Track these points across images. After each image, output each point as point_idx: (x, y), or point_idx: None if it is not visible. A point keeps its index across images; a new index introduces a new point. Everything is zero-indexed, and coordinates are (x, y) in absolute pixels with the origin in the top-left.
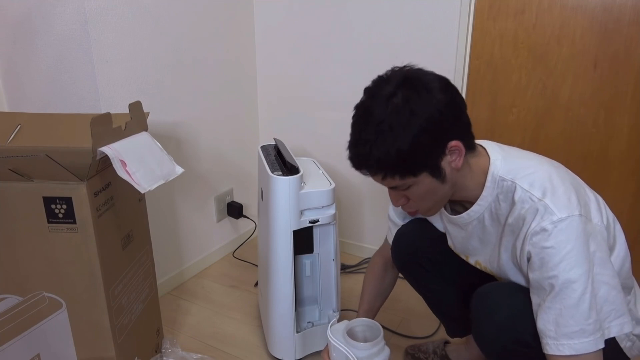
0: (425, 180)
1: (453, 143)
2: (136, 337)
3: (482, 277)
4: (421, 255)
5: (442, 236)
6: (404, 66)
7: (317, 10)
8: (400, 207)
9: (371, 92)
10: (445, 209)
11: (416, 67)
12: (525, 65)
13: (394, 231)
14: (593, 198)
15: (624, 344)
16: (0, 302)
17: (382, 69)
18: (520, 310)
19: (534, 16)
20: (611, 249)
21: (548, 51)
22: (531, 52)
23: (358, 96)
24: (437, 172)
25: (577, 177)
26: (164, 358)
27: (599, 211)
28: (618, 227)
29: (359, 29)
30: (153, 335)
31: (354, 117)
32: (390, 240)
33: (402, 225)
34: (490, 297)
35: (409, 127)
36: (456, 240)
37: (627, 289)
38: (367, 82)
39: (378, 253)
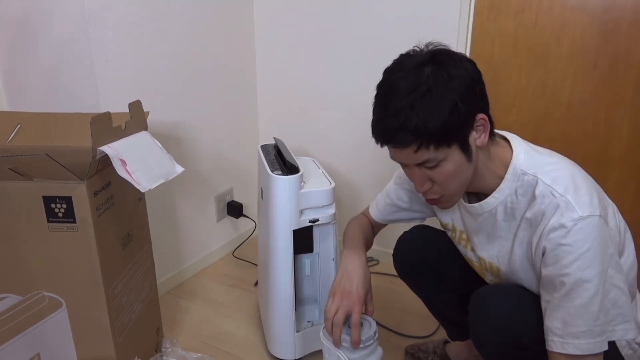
0: (455, 156)
1: (481, 115)
2: (136, 336)
3: (484, 283)
4: (424, 264)
5: (444, 243)
6: (427, 44)
7: (317, 11)
8: (423, 192)
9: (395, 68)
10: (463, 198)
11: (439, 43)
12: (525, 64)
13: (384, 209)
14: (611, 203)
15: (625, 352)
16: (0, 302)
17: (381, 68)
18: (517, 312)
19: (534, 16)
20: (620, 256)
21: (548, 51)
22: (531, 52)
23: (357, 95)
24: (465, 147)
25: (596, 182)
26: (164, 357)
27: (614, 217)
28: (628, 234)
29: (359, 29)
30: (153, 334)
31: (377, 94)
32: (373, 213)
33: (405, 233)
34: (487, 300)
35: (447, 91)
36: (468, 228)
37: (630, 297)
38: (367, 82)
39: (361, 214)
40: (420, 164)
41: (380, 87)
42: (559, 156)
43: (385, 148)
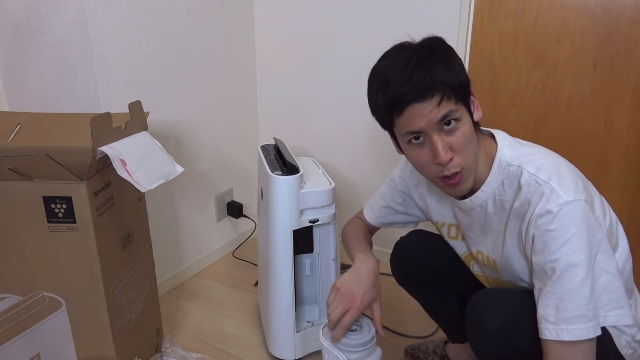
0: (466, 119)
1: (472, 91)
2: (136, 336)
3: (483, 286)
4: (421, 269)
5: (441, 247)
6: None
7: (317, 10)
8: (447, 161)
9: (395, 48)
10: None
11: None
12: (525, 64)
13: (379, 211)
14: (598, 194)
15: (625, 351)
16: (0, 302)
17: None
18: (513, 316)
19: (534, 16)
20: (614, 250)
21: (548, 51)
22: (531, 52)
23: (358, 96)
24: (471, 113)
25: (582, 174)
26: (164, 357)
27: (602, 208)
28: (620, 228)
29: (360, 28)
30: (153, 334)
31: (380, 68)
32: (369, 217)
33: (401, 238)
34: (482, 305)
35: (453, 53)
36: (462, 225)
37: (628, 292)
38: (366, 82)
39: (356, 218)
40: (440, 123)
41: (383, 60)
42: (544, 148)
43: (385, 145)
